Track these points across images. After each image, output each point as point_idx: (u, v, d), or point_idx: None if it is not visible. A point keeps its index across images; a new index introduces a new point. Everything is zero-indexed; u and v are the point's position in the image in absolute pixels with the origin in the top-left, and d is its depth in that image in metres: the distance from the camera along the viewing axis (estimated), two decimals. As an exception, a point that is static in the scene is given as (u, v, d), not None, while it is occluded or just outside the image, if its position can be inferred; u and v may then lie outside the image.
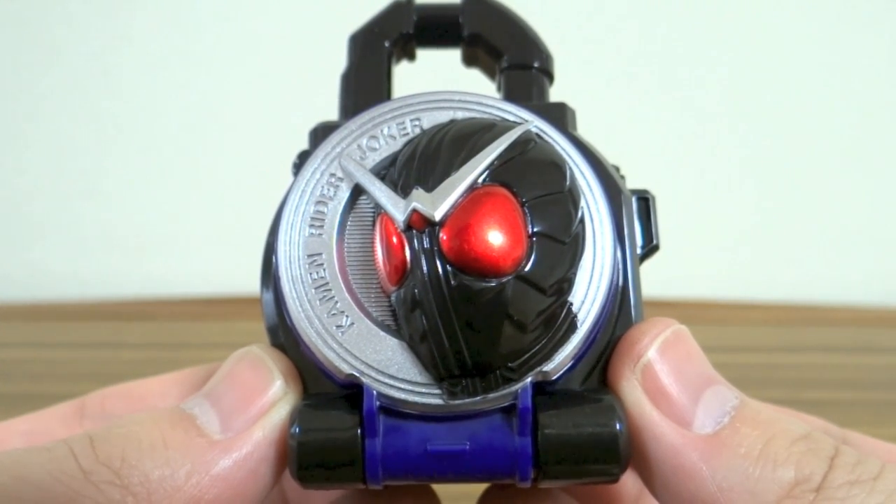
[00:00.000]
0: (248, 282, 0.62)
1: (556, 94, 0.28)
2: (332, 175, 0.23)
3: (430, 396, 0.21)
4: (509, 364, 0.21)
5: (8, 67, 0.74)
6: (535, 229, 0.21)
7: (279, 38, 0.72)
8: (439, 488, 0.25)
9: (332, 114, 0.27)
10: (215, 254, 0.73)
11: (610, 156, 0.26)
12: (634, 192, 0.25)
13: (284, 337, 0.23)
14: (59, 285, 0.73)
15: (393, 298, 0.22)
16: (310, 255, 0.22)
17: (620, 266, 0.23)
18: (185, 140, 0.73)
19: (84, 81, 0.73)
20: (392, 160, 0.23)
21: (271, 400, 0.22)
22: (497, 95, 0.27)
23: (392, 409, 0.21)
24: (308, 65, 0.68)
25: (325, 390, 0.22)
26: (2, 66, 0.74)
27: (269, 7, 0.72)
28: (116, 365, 0.61)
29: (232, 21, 0.73)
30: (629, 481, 0.28)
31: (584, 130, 0.26)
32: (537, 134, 0.23)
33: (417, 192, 0.22)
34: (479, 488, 0.26)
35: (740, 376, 0.22)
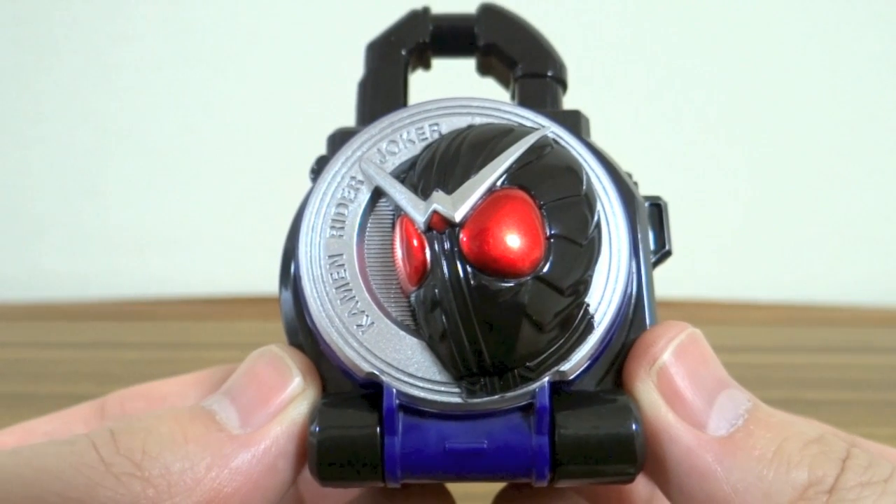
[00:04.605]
0: (249, 282, 0.62)
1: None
2: (353, 178, 0.24)
3: (448, 395, 0.21)
4: (527, 364, 0.21)
5: (9, 67, 0.74)
6: (552, 231, 0.22)
7: (286, 43, 0.72)
8: (453, 488, 0.25)
9: (338, 119, 0.27)
10: (215, 254, 0.74)
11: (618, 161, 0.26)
12: (647, 198, 0.26)
13: (303, 336, 0.23)
14: (59, 285, 0.73)
15: (412, 298, 0.22)
16: (331, 256, 0.23)
17: (635, 270, 0.24)
18: (186, 141, 0.73)
19: (86, 81, 0.73)
20: (411, 164, 0.24)
21: (290, 396, 0.22)
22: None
23: (411, 407, 0.22)
24: (310, 71, 0.68)
25: (344, 389, 0.23)
26: (3, 66, 0.74)
27: (280, 12, 0.72)
28: (116, 365, 0.61)
29: (238, 22, 0.73)
30: (640, 483, 0.28)
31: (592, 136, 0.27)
32: (554, 139, 0.24)
33: (437, 195, 0.22)
34: (494, 489, 0.26)
35: (740, 376, 0.22)
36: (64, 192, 0.74)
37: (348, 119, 0.28)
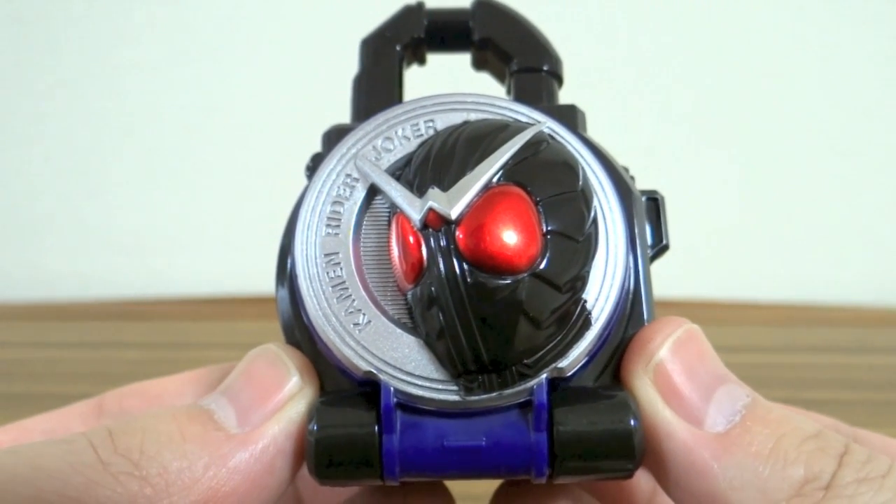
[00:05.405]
0: (249, 282, 0.62)
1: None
2: (348, 176, 0.24)
3: (446, 393, 0.21)
4: (525, 361, 0.21)
5: (10, 66, 0.74)
6: (549, 228, 0.22)
7: (282, 41, 0.72)
8: (452, 489, 0.25)
9: (334, 118, 0.27)
10: (215, 254, 0.74)
11: (615, 157, 0.26)
12: (644, 192, 0.26)
13: (300, 335, 0.23)
14: (59, 285, 0.73)
15: (409, 296, 0.22)
16: (327, 254, 0.23)
17: (632, 265, 0.24)
18: (186, 140, 0.73)
19: (86, 80, 0.73)
20: (407, 161, 0.24)
21: (287, 395, 0.22)
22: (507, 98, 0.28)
23: (409, 405, 0.22)
24: (310, 69, 0.68)
25: (341, 388, 0.23)
26: (4, 66, 0.74)
27: (276, 10, 0.72)
28: (116, 365, 0.61)
29: (236, 22, 0.73)
30: (643, 478, 0.28)
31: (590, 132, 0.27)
32: (550, 134, 0.24)
33: (433, 192, 0.22)
34: (493, 489, 0.26)
35: (740, 376, 0.22)
36: (64, 192, 0.74)
37: (344, 115, 0.28)
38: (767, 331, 0.66)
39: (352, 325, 0.22)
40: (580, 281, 0.22)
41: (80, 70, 0.73)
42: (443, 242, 0.21)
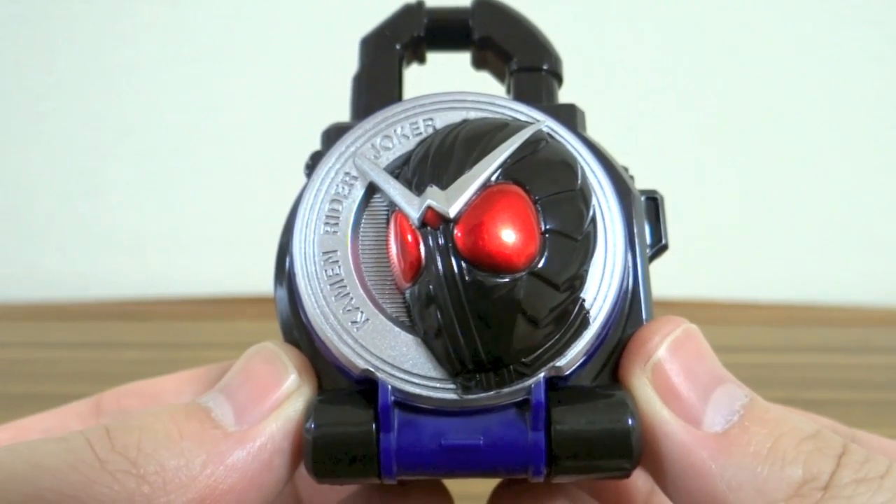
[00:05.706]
0: (249, 281, 0.62)
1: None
2: (347, 174, 0.24)
3: (444, 391, 0.21)
4: (523, 359, 0.21)
5: (10, 66, 0.74)
6: (547, 226, 0.22)
7: (282, 40, 0.72)
8: (451, 488, 0.25)
9: (333, 117, 0.27)
10: (215, 254, 0.74)
11: (614, 156, 0.26)
12: (643, 192, 0.26)
13: (298, 333, 0.23)
14: (59, 285, 0.73)
15: (407, 295, 0.22)
16: (325, 253, 0.23)
17: (631, 265, 0.24)
18: (186, 140, 0.74)
19: (86, 80, 0.73)
20: (405, 159, 0.24)
21: (285, 393, 0.22)
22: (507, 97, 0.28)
23: (407, 403, 0.22)
24: (309, 68, 0.68)
25: (339, 386, 0.23)
26: (3, 66, 0.74)
27: (276, 9, 0.72)
28: (116, 365, 0.61)
29: (236, 22, 0.73)
30: (641, 478, 0.28)
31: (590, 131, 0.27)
32: (549, 133, 0.24)
33: (432, 190, 0.22)
34: (490, 489, 0.26)
35: (740, 376, 0.22)
36: (64, 192, 0.74)
37: (344, 114, 0.28)
38: (767, 331, 0.66)
39: (350, 324, 0.22)
40: (578, 280, 0.22)
41: (80, 70, 0.73)
42: (441, 241, 0.21)
